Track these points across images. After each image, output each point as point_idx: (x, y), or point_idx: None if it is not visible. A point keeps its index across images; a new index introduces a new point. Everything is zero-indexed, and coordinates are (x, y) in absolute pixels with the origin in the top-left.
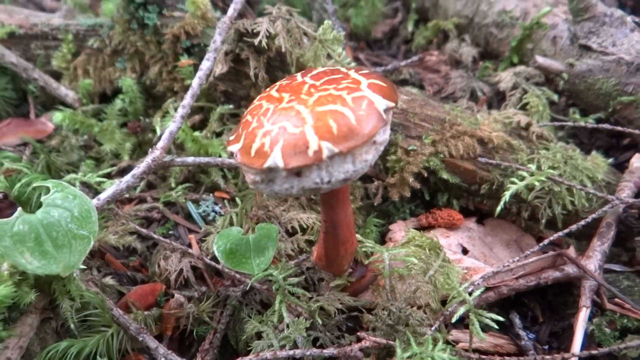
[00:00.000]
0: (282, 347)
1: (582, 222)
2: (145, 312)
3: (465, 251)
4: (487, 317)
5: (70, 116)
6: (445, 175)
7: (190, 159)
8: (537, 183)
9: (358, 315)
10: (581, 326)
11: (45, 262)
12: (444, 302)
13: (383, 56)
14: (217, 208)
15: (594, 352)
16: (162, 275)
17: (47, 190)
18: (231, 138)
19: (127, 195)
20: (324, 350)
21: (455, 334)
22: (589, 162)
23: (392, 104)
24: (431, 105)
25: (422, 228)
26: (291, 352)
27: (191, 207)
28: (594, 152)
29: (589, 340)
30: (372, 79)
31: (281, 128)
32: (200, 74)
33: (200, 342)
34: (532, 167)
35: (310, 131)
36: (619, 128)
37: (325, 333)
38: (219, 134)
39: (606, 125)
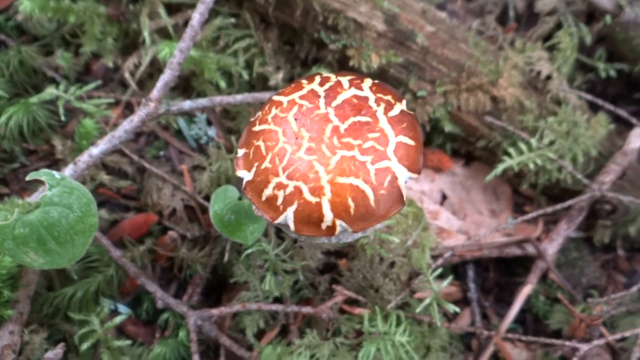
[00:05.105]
0: (266, 298)
1: (558, 206)
2: (141, 248)
3: (444, 197)
4: (447, 306)
5: (41, 3)
6: (447, 127)
7: (187, 105)
8: (531, 165)
9: (335, 263)
10: (521, 299)
11: (49, 258)
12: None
13: None
14: (210, 132)
15: (523, 338)
16: (155, 207)
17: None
18: (239, 154)
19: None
20: (302, 309)
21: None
22: (590, 129)
23: (414, 176)
24: (455, 40)
25: None
26: (274, 307)
27: (183, 125)
28: (599, 114)
29: (525, 303)
30: (401, 134)
31: (297, 188)
32: (202, 8)
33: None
34: (533, 141)
35: (327, 206)
36: (634, 121)
37: (304, 276)
38: (213, 41)
39: (623, 112)
